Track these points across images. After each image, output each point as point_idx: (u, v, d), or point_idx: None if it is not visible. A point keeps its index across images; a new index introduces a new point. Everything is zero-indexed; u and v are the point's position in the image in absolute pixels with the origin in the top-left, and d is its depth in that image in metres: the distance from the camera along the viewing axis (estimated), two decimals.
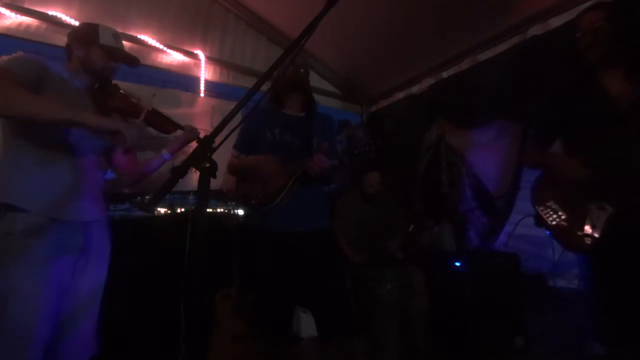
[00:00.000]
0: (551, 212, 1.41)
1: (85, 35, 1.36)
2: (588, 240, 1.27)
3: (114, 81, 1.47)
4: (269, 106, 1.72)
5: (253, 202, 1.59)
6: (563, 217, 1.37)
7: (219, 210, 2.55)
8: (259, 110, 1.73)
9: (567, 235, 1.36)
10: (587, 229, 1.28)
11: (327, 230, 1.68)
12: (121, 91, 1.47)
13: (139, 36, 2.40)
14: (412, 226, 2.68)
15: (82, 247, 1.26)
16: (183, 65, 2.64)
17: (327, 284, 1.54)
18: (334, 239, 1.87)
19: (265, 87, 0.85)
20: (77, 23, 2.10)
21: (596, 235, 1.26)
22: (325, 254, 1.59)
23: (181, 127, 1.58)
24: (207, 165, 0.73)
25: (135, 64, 1.49)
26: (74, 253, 1.24)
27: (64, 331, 1.22)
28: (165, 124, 1.57)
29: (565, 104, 1.44)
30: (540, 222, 1.47)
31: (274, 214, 1.55)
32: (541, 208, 1.45)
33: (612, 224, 1.24)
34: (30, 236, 1.13)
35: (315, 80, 3.20)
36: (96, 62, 1.35)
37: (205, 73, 2.72)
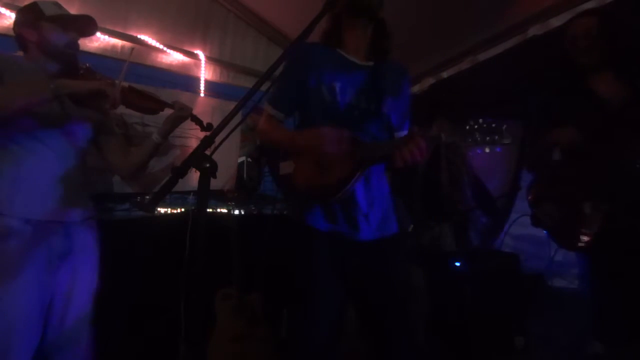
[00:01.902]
0: (548, 212, 1.43)
1: (30, 15, 1.24)
2: (584, 239, 1.29)
3: (87, 64, 1.34)
4: (322, 42, 1.19)
5: (302, 186, 1.12)
6: (559, 217, 1.38)
7: (219, 210, 2.54)
8: (311, 47, 1.18)
9: (563, 235, 1.38)
10: (583, 228, 1.29)
11: (396, 238, 1.20)
12: (88, 73, 1.33)
13: (139, 36, 2.40)
14: (412, 226, 2.68)
15: (63, 251, 1.19)
16: (183, 65, 2.63)
17: (391, 322, 1.12)
18: (404, 252, 1.30)
19: (265, 87, 0.84)
20: None
21: (592, 234, 1.27)
22: (389, 275, 1.15)
23: (169, 105, 1.39)
24: (207, 165, 0.72)
25: (92, 27, 1.34)
26: (55, 258, 1.17)
27: (59, 338, 1.18)
28: (147, 103, 1.38)
29: (557, 106, 1.47)
30: (537, 222, 1.48)
31: (329, 210, 1.13)
32: (538, 208, 1.47)
33: (607, 222, 1.25)
34: (3, 241, 1.07)
35: None
36: (54, 39, 1.23)
37: (205, 73, 2.71)
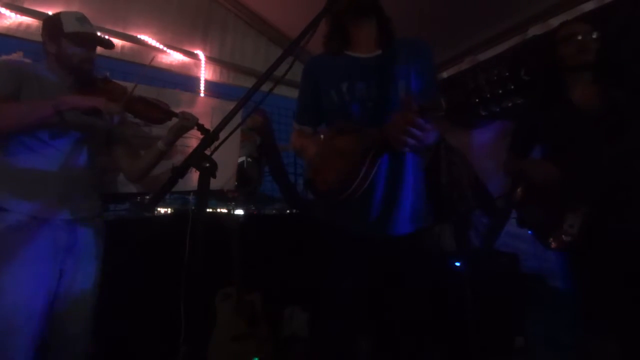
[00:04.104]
0: (531, 214, 1.49)
1: (52, 28, 1.29)
2: (567, 239, 1.33)
3: (106, 74, 1.42)
4: (329, 50, 1.21)
5: (320, 190, 1.11)
6: (542, 218, 1.43)
7: (219, 210, 2.54)
8: (317, 59, 1.24)
9: (547, 235, 1.42)
10: (566, 228, 1.34)
11: (424, 234, 1.17)
12: (104, 83, 1.38)
13: (139, 36, 2.40)
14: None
15: (68, 246, 1.24)
16: (183, 65, 2.64)
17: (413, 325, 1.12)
18: (431, 249, 1.27)
19: (265, 87, 0.84)
20: None
21: (574, 234, 1.32)
22: (414, 273, 1.13)
23: (175, 115, 1.44)
24: (207, 165, 0.72)
25: (107, 43, 1.39)
26: (60, 252, 1.22)
27: (57, 331, 1.22)
28: (154, 113, 1.42)
29: (537, 112, 1.52)
30: (522, 223, 1.55)
31: (350, 209, 1.09)
32: (522, 210, 1.54)
33: (587, 223, 1.30)
34: (10, 235, 1.13)
35: None
36: (70, 55, 1.28)
37: (205, 73, 2.71)
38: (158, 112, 1.43)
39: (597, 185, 1.29)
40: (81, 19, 1.32)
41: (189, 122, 1.43)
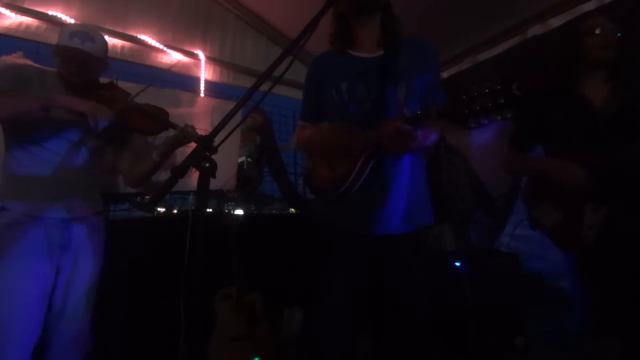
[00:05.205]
0: (546, 214, 1.43)
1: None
2: (587, 240, 1.30)
3: (113, 78, 1.43)
4: (333, 49, 1.22)
5: (316, 186, 1.14)
6: (559, 218, 1.39)
7: (219, 210, 2.54)
8: (322, 58, 1.25)
9: (564, 236, 1.39)
10: (585, 229, 1.30)
11: (423, 234, 1.20)
12: (106, 89, 1.37)
13: (139, 36, 2.40)
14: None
15: (64, 244, 1.25)
16: (183, 65, 2.64)
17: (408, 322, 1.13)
18: (430, 249, 1.27)
19: (265, 87, 0.84)
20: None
21: (594, 234, 1.29)
22: (406, 273, 1.14)
23: (173, 126, 1.37)
24: (207, 165, 0.73)
25: (96, 64, 1.35)
26: (55, 249, 1.23)
27: (56, 329, 1.23)
28: (148, 124, 1.35)
29: (541, 110, 1.47)
30: (535, 224, 1.49)
31: (346, 207, 1.12)
32: (536, 210, 1.48)
33: (608, 223, 1.27)
34: (5, 233, 1.15)
35: None
36: (57, 63, 1.31)
37: (205, 73, 2.71)
38: (153, 124, 1.36)
39: (611, 186, 1.26)
40: (75, 33, 1.28)
41: (186, 138, 1.36)
